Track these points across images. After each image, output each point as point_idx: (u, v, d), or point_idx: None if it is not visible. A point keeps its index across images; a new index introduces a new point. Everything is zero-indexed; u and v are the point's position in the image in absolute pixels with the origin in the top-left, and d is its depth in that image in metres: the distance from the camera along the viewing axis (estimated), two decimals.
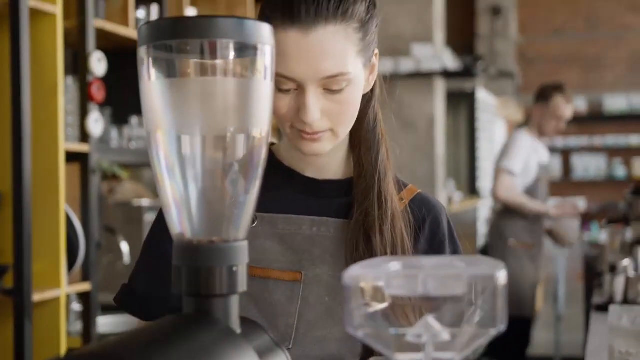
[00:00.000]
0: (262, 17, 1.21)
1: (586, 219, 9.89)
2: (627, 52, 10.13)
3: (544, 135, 4.61)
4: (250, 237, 0.80)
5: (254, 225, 1.26)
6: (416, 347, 0.69)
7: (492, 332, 0.68)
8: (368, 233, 1.26)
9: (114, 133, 3.41)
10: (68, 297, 3.16)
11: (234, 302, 0.78)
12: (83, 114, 3.11)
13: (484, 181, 8.05)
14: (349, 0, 1.21)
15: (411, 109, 6.20)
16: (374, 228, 1.26)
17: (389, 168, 1.32)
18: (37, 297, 2.78)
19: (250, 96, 0.79)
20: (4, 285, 2.77)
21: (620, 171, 10.03)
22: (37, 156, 2.81)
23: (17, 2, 2.68)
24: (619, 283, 2.86)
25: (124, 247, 3.38)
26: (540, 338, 6.54)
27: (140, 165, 3.82)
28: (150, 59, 0.77)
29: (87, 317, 3.15)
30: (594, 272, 4.28)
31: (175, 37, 0.76)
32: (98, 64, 3.12)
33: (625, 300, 2.81)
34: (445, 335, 0.69)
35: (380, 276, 0.69)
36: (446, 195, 6.53)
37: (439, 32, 6.44)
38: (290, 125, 1.23)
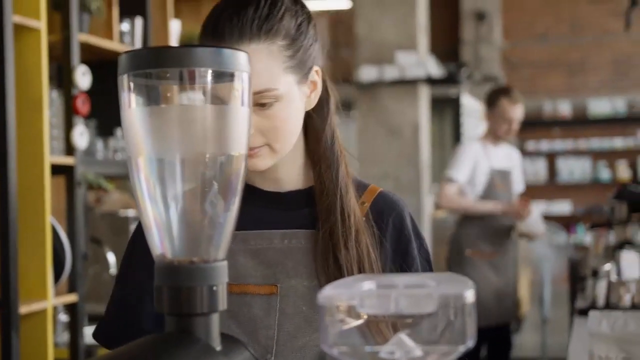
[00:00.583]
0: (200, 39, 1.27)
1: (571, 222, 9.96)
2: (610, 56, 10.21)
3: (499, 140, 4.56)
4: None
5: None
6: None
7: (462, 349, 0.71)
8: (334, 250, 1.29)
9: (99, 145, 3.43)
10: (55, 308, 3.17)
11: (215, 320, 0.80)
12: (68, 127, 3.13)
13: None
14: (274, 19, 1.25)
15: (396, 115, 6.24)
16: (339, 245, 1.29)
17: (349, 184, 1.34)
18: (24, 309, 2.79)
19: (229, 121, 0.82)
20: None
21: (605, 174, 10.10)
22: (22, 169, 2.82)
23: (1, 18, 2.69)
24: (601, 287, 2.88)
25: (111, 257, 3.40)
26: (527, 340, 6.59)
27: (126, 176, 3.84)
28: (131, 87, 0.80)
29: (74, 328, 3.16)
30: (578, 276, 4.31)
31: (155, 66, 0.79)
32: (82, 77, 3.14)
33: (608, 305, 2.83)
34: (417, 351, 0.72)
35: (353, 296, 0.72)
36: (432, 201, 6.56)
37: (423, 39, 6.48)
38: None
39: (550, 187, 10.26)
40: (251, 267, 1.31)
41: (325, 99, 1.37)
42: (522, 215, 4.39)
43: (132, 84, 0.80)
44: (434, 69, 6.51)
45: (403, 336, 0.72)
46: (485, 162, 4.46)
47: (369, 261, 1.30)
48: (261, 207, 1.35)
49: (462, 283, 0.73)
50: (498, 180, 4.48)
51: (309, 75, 1.31)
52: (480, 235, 4.44)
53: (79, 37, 3.16)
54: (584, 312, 2.92)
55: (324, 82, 1.36)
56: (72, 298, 3.10)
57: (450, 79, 6.75)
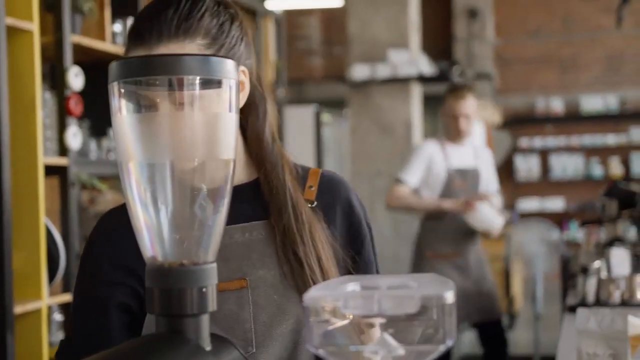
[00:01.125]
0: (126, 43, 1.29)
1: (564, 218, 10.00)
2: (602, 52, 10.24)
3: (458, 138, 4.52)
4: None
5: None
6: None
7: (442, 348, 0.73)
8: (292, 245, 1.33)
9: (92, 145, 3.44)
10: (49, 308, 3.19)
11: (205, 321, 0.83)
12: (61, 127, 3.15)
13: None
14: (193, 18, 1.26)
15: (388, 113, 6.26)
16: (296, 240, 1.33)
17: (294, 182, 1.37)
18: (18, 309, 2.81)
19: (217, 127, 0.85)
20: None
21: (597, 170, 10.14)
22: (16, 170, 2.84)
23: None
24: (591, 285, 2.91)
25: None
26: (520, 337, 6.62)
27: (119, 176, 3.85)
28: (122, 94, 0.82)
29: (69, 328, 3.18)
30: (569, 272, 4.33)
31: (145, 74, 0.81)
32: (75, 78, 3.15)
33: (597, 302, 2.85)
34: (400, 350, 0.74)
35: (338, 297, 0.74)
36: None
37: (415, 37, 6.51)
38: None
39: (543, 184, 10.30)
40: (218, 264, 1.33)
41: (260, 99, 1.37)
42: (462, 211, 4.31)
43: (122, 91, 0.82)
44: (426, 67, 6.53)
45: (386, 336, 0.74)
46: (441, 161, 4.41)
47: (324, 252, 1.34)
48: None
49: (442, 284, 0.75)
50: (457, 179, 4.41)
51: None
52: (440, 236, 4.38)
53: (71, 38, 3.18)
54: (573, 309, 2.94)
55: (257, 82, 1.36)
56: (66, 298, 3.12)
57: (443, 77, 6.77)
